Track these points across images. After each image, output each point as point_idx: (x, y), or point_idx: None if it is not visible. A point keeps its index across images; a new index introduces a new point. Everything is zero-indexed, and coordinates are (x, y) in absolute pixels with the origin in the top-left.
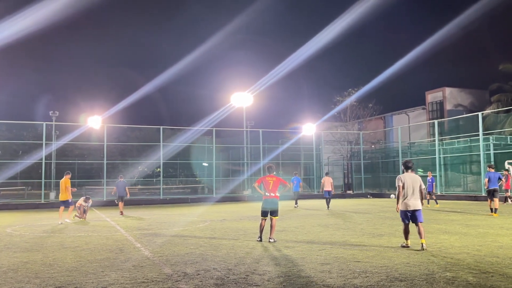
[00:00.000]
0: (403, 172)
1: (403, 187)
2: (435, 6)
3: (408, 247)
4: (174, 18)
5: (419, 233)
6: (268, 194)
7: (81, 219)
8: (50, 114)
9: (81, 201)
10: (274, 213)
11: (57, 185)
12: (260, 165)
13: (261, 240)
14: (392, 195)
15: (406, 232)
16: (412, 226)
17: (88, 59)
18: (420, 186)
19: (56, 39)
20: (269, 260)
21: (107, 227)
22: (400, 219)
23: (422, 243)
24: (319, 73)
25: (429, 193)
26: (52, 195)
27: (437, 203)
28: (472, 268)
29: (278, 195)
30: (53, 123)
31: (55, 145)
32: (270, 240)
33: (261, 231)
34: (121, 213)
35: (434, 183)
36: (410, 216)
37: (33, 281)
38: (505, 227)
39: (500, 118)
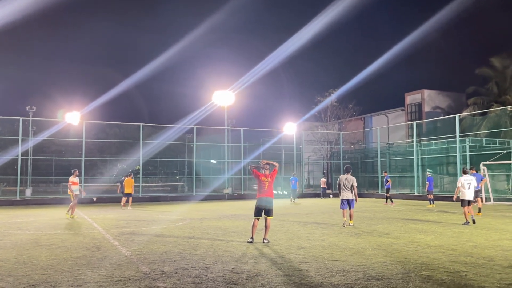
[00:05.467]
0: (344, 174)
1: (339, 185)
2: (414, 9)
3: (344, 225)
4: (155, 14)
5: (350, 215)
6: (263, 193)
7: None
8: (27, 109)
9: (72, 178)
10: (268, 212)
11: (33, 182)
12: (241, 164)
13: (252, 242)
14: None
15: (344, 214)
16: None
17: (66, 54)
18: (353, 183)
19: (33, 32)
20: (247, 259)
21: (84, 225)
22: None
23: (350, 223)
24: (300, 72)
25: (429, 192)
26: (28, 191)
27: (430, 203)
28: (447, 267)
29: (273, 193)
30: (30, 118)
31: (32, 141)
32: (265, 241)
33: (253, 232)
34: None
35: (429, 183)
36: (346, 203)
37: (6, 279)
38: (479, 227)
39: (476, 120)
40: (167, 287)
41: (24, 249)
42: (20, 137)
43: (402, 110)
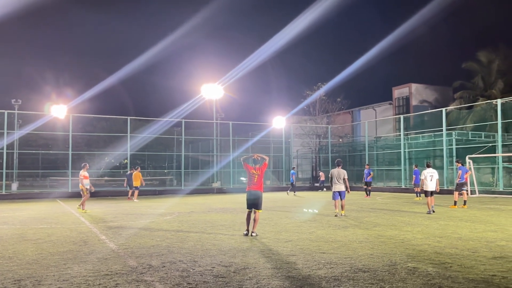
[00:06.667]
0: (335, 168)
1: (332, 178)
2: (402, 3)
3: (337, 215)
4: (142, 6)
5: (342, 206)
6: (252, 186)
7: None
8: (13, 103)
9: (83, 172)
10: (257, 206)
11: (20, 176)
12: (230, 157)
13: (247, 234)
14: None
15: (336, 205)
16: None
17: (53, 47)
18: (344, 176)
19: (19, 25)
20: (235, 252)
21: (71, 219)
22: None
23: (342, 213)
24: (289, 67)
25: (415, 185)
26: (14, 185)
27: (417, 196)
28: (432, 259)
29: (262, 187)
30: (16, 111)
31: (17, 134)
32: (253, 234)
33: (247, 224)
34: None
35: (416, 176)
36: (338, 195)
37: None
38: (464, 219)
39: (462, 114)
40: (155, 281)
41: (9, 244)
42: (5, 131)
43: (390, 103)
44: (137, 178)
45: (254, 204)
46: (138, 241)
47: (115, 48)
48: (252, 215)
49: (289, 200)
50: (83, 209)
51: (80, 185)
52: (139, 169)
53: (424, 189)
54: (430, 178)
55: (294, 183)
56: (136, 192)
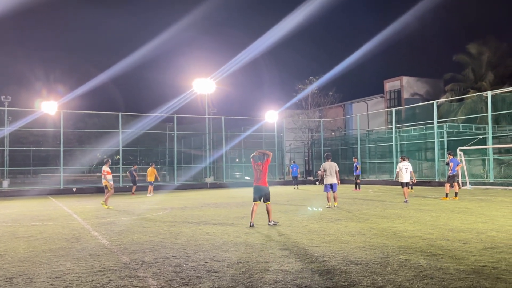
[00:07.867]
0: (325, 161)
1: (324, 171)
2: None
3: (329, 207)
4: (134, 2)
5: (334, 198)
6: (257, 181)
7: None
8: (2, 99)
9: (106, 167)
10: (265, 199)
11: (11, 173)
12: (223, 151)
13: (252, 226)
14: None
15: (328, 198)
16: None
17: (44, 43)
18: (336, 169)
19: (8, 20)
20: (229, 247)
21: (63, 216)
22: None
23: (335, 205)
24: (282, 61)
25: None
26: (5, 183)
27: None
28: (424, 250)
29: (267, 181)
30: (6, 108)
31: (7, 131)
32: (270, 223)
33: (252, 216)
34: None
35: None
36: (330, 187)
37: None
38: (456, 211)
39: (453, 106)
40: (148, 277)
41: (1, 242)
42: None
43: (382, 97)
44: (152, 174)
45: (260, 197)
46: (130, 237)
47: (106, 44)
48: (262, 207)
49: (283, 194)
50: (106, 205)
51: (103, 181)
52: (153, 165)
53: (400, 180)
54: (405, 171)
55: (298, 176)
56: (151, 187)
